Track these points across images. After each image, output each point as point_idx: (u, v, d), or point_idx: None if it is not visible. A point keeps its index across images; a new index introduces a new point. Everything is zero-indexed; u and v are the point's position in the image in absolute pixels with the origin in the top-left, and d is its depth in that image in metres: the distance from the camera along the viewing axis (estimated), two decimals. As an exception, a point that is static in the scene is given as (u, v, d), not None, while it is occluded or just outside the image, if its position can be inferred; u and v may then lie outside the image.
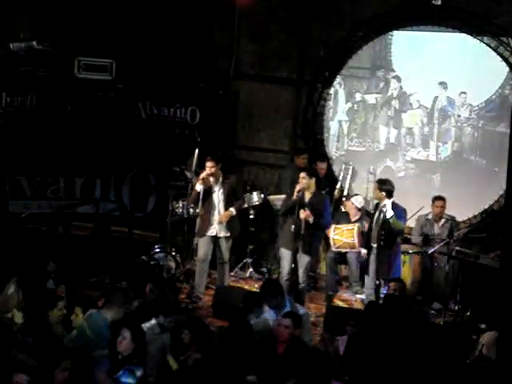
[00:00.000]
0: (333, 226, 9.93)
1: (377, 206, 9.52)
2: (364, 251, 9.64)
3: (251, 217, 11.01)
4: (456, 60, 10.93)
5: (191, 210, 10.31)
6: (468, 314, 9.61)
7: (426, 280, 9.99)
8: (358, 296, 10.10)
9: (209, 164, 9.68)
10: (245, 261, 11.05)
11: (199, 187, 9.74)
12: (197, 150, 10.56)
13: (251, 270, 10.96)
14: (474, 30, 10.62)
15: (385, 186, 9.32)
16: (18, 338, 6.81)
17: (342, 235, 9.93)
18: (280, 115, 11.98)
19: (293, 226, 9.30)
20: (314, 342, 8.11)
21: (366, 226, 9.84)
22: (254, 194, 10.99)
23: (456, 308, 9.61)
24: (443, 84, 11.05)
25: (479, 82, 10.85)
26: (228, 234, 9.85)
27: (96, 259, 10.40)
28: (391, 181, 9.50)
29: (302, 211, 9.28)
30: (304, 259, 9.45)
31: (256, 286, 10.17)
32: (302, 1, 11.76)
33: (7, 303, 7.78)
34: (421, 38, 11.19)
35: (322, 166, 11.02)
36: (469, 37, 10.70)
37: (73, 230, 11.32)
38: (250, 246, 11.04)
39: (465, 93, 10.96)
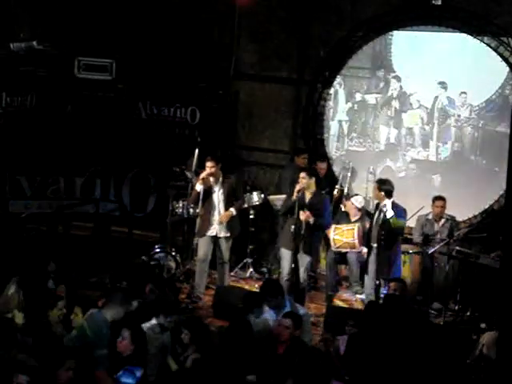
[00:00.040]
0: (333, 226, 9.93)
1: (377, 206, 9.53)
2: (365, 250, 9.64)
3: (251, 217, 11.01)
4: (456, 60, 10.93)
5: (191, 210, 10.31)
6: (468, 313, 9.61)
7: (426, 280, 9.99)
8: (358, 296, 10.10)
9: (209, 164, 9.68)
10: (245, 261, 11.05)
11: (199, 187, 9.74)
12: (197, 150, 10.55)
13: (251, 270, 10.96)
14: (474, 30, 10.62)
15: (384, 186, 9.33)
16: (18, 338, 6.80)
17: (343, 235, 9.93)
18: (280, 115, 11.98)
19: (293, 226, 9.30)
20: (314, 342, 8.11)
21: (367, 225, 9.84)
22: (254, 193, 10.99)
23: (456, 308, 9.62)
24: (443, 84, 11.06)
25: (479, 82, 10.85)
26: (228, 234, 9.85)
27: (96, 259, 10.40)
28: (391, 181, 9.51)
29: (301, 212, 9.27)
30: (304, 259, 9.45)
31: (256, 286, 10.16)
32: (302, 1, 11.76)
33: (8, 304, 7.77)
34: (421, 37, 11.19)
35: (321, 166, 11.03)
36: (469, 37, 10.70)
37: (73, 229, 11.33)
38: (250, 246, 11.04)
39: (465, 93, 10.96)
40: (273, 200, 10.94)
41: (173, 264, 10.44)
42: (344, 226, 10.01)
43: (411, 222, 10.21)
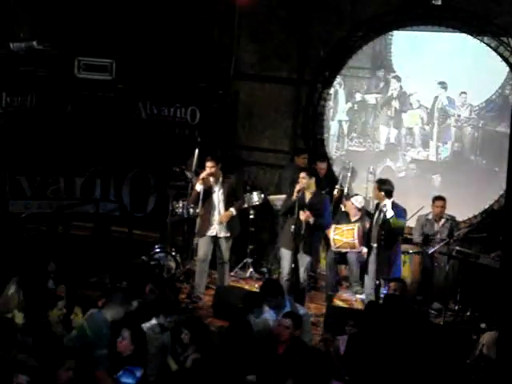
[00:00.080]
0: (333, 226, 9.92)
1: (377, 206, 9.53)
2: (365, 250, 9.64)
3: (251, 217, 11.01)
4: (456, 60, 10.93)
5: (191, 210, 10.30)
6: (468, 313, 9.61)
7: (426, 280, 9.99)
8: (358, 296, 10.10)
9: (209, 164, 9.68)
10: (245, 261, 11.04)
11: (199, 187, 9.74)
12: (197, 150, 10.55)
13: (251, 270, 10.96)
14: (474, 30, 10.62)
15: (384, 186, 9.32)
16: (18, 338, 6.80)
17: (343, 235, 9.92)
18: (280, 115, 11.98)
19: (293, 226, 9.30)
20: (314, 342, 8.10)
21: (367, 225, 9.85)
22: (254, 194, 10.99)
23: (456, 308, 9.61)
24: (443, 84, 11.05)
25: (479, 82, 10.85)
26: (228, 234, 9.85)
27: (96, 259, 10.40)
28: (390, 181, 9.50)
29: (301, 213, 9.27)
30: (304, 259, 9.44)
31: (256, 286, 10.16)
32: (302, 1, 11.76)
33: (8, 304, 7.77)
34: (421, 37, 11.19)
35: (321, 166, 11.03)
36: (469, 37, 10.70)
37: (73, 229, 11.33)
38: (250, 246, 11.04)
39: (465, 93, 10.96)
40: (273, 200, 10.94)
41: (173, 264, 10.44)
42: (344, 226, 10.01)
43: (411, 222, 10.21)
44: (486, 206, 10.69)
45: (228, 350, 6.79)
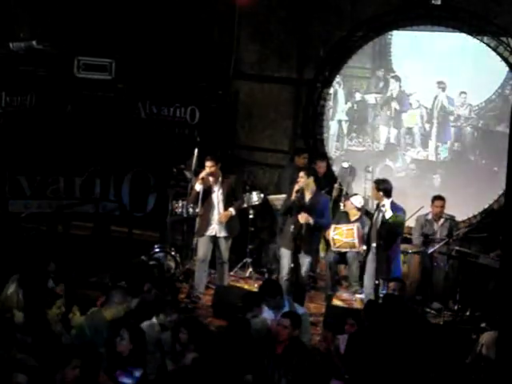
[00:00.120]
0: (333, 226, 9.92)
1: (377, 206, 9.53)
2: (365, 248, 9.65)
3: (251, 217, 11.00)
4: (456, 60, 10.94)
5: (191, 210, 10.30)
6: (468, 313, 9.60)
7: (426, 280, 9.98)
8: (358, 296, 10.10)
9: (208, 164, 9.68)
10: (244, 260, 11.04)
11: (199, 187, 9.74)
12: (196, 150, 10.54)
13: (251, 269, 10.95)
14: (474, 30, 10.63)
15: (382, 186, 9.32)
16: (18, 337, 6.80)
17: (342, 235, 9.93)
18: (280, 115, 11.98)
19: (292, 226, 9.29)
20: (314, 342, 8.10)
21: (367, 225, 9.86)
22: (254, 193, 10.98)
23: (455, 308, 9.61)
24: (443, 84, 11.06)
25: (479, 82, 10.85)
26: (227, 234, 9.85)
27: (96, 259, 10.40)
28: (388, 180, 9.50)
29: (300, 216, 9.23)
30: (304, 259, 9.43)
31: (256, 285, 10.15)
32: (302, 1, 11.77)
33: (7, 303, 7.77)
34: (421, 37, 11.19)
35: (321, 165, 11.01)
36: (469, 37, 10.70)
37: (73, 229, 11.31)
38: (250, 246, 11.03)
39: (465, 93, 10.97)
40: (272, 200, 10.93)
41: (172, 264, 10.44)
42: (344, 226, 10.01)
43: (411, 222, 10.21)
44: (486, 206, 10.70)
45: (226, 350, 6.78)
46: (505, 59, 10.54)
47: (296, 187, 9.35)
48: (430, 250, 9.84)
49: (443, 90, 11.06)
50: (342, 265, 10.50)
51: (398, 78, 11.39)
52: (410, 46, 11.34)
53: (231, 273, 10.61)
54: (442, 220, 10.17)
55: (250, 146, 12.13)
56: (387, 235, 9.21)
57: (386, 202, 9.23)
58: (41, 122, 11.03)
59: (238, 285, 10.48)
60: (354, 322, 7.72)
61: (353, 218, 10.20)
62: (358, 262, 9.99)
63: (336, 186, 11.14)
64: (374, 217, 9.46)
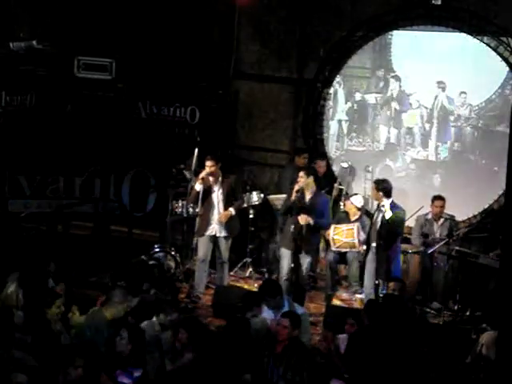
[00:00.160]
0: (333, 226, 9.91)
1: (378, 206, 9.53)
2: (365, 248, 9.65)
3: (251, 216, 10.99)
4: (456, 60, 10.93)
5: (191, 210, 10.30)
6: (468, 313, 9.60)
7: (426, 280, 9.98)
8: (358, 296, 10.09)
9: (208, 163, 9.68)
10: (244, 260, 11.03)
11: (199, 187, 9.74)
12: (196, 150, 10.54)
13: (251, 269, 10.94)
14: (474, 30, 10.63)
15: (382, 186, 9.31)
16: (17, 337, 6.80)
17: (342, 235, 9.91)
18: (280, 115, 11.98)
19: (292, 226, 9.29)
20: (314, 342, 8.10)
21: (367, 225, 9.86)
22: (254, 193, 10.97)
23: (455, 308, 9.60)
24: (443, 84, 11.05)
25: (479, 82, 10.85)
26: (227, 234, 9.84)
27: (96, 258, 10.40)
28: (388, 180, 9.49)
29: (300, 217, 9.23)
30: (304, 259, 9.43)
31: (256, 285, 10.15)
32: (302, 1, 11.77)
33: (7, 302, 7.76)
34: (421, 37, 11.19)
35: (321, 164, 11.01)
36: (469, 37, 10.70)
37: (72, 229, 11.32)
38: (250, 246, 11.03)
39: (465, 92, 10.96)
40: (272, 200, 10.93)
41: (172, 263, 10.43)
42: (344, 226, 10.00)
43: (410, 222, 10.21)
44: (486, 206, 10.69)
45: (225, 349, 6.78)
46: (505, 59, 10.54)
47: (296, 187, 9.35)
48: (430, 250, 9.83)
49: (443, 89, 11.06)
50: (342, 265, 10.50)
51: (398, 78, 11.38)
52: (410, 45, 11.34)
53: (231, 273, 10.61)
54: (441, 220, 10.17)
55: (249, 145, 12.13)
56: (387, 235, 9.21)
57: (386, 202, 9.22)
58: (41, 121, 11.03)
59: (238, 285, 10.48)
60: (354, 322, 7.72)
61: (353, 218, 10.19)
62: (358, 262, 9.99)
63: (336, 185, 11.14)
64: (374, 217, 9.46)
